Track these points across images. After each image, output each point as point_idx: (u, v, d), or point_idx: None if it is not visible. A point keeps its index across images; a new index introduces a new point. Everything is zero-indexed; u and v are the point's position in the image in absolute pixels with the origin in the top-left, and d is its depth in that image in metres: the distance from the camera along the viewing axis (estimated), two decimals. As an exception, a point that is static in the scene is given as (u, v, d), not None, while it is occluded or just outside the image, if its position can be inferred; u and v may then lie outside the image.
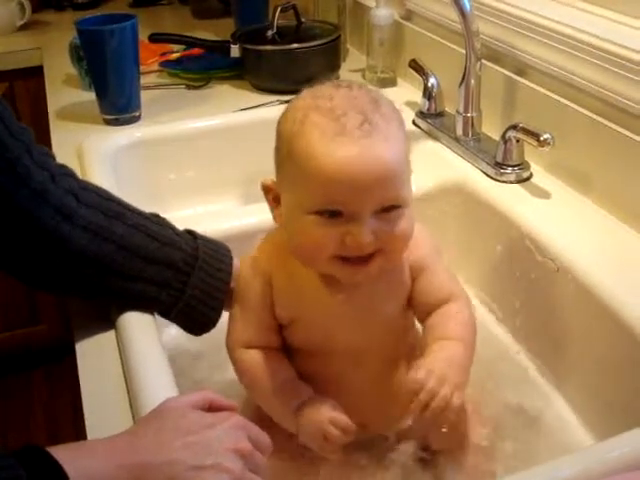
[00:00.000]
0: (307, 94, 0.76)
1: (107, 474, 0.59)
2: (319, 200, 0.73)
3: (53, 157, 0.84)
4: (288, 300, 0.83)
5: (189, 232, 0.89)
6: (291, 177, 0.76)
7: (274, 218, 0.82)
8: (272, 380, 0.83)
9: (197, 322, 0.87)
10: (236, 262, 0.89)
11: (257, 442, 0.67)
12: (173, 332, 1.02)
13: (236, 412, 0.70)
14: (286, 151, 0.76)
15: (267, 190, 0.82)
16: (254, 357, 0.84)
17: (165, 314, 0.86)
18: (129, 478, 0.59)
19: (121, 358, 0.81)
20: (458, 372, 0.78)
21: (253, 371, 0.84)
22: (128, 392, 0.76)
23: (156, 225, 0.86)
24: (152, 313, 0.86)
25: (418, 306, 0.86)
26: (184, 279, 0.85)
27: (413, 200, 1.07)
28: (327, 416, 0.78)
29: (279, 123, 0.78)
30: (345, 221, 0.72)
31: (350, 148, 0.70)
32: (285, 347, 0.86)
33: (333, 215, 0.73)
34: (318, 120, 0.72)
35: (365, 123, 0.71)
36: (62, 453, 0.58)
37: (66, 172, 0.84)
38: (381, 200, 0.73)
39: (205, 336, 0.92)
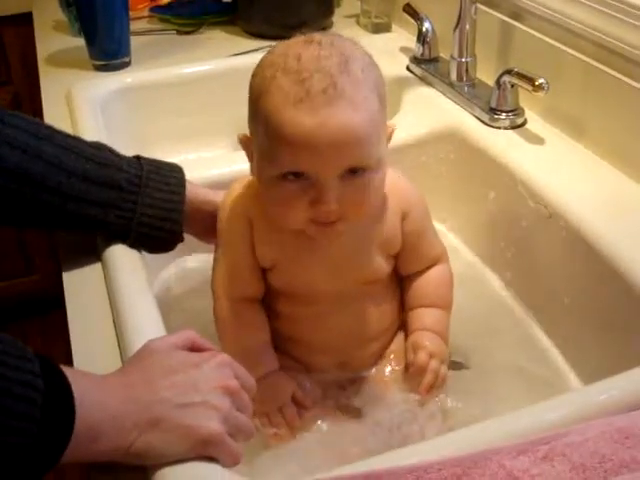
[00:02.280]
0: (278, 49, 0.74)
1: (100, 399, 0.59)
2: (282, 164, 0.73)
3: None
4: (269, 244, 0.83)
5: (134, 156, 0.88)
6: (258, 137, 0.76)
7: (251, 170, 0.81)
8: (244, 339, 0.85)
9: (157, 240, 0.87)
10: (198, 189, 0.90)
11: (243, 381, 0.67)
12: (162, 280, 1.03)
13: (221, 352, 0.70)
14: (253, 109, 0.75)
15: (243, 143, 0.82)
16: (234, 309, 0.85)
17: (122, 237, 0.85)
18: (121, 411, 0.59)
19: (110, 300, 0.80)
20: (446, 347, 0.87)
21: (229, 324, 0.85)
22: (117, 334, 0.76)
23: (92, 149, 0.85)
24: (139, 252, 0.85)
25: (406, 264, 0.88)
26: (132, 198, 0.84)
27: (406, 147, 1.08)
28: (280, 402, 0.81)
29: (252, 76, 0.76)
30: (310, 185, 0.73)
31: (312, 117, 0.69)
32: (268, 289, 0.87)
33: (298, 177, 0.73)
34: (283, 82, 0.71)
35: (329, 88, 0.69)
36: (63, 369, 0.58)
37: None
38: (345, 164, 0.72)
39: (192, 283, 0.93)
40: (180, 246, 0.90)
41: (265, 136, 0.73)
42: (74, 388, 0.57)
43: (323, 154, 0.70)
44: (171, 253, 0.90)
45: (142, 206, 0.84)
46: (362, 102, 0.71)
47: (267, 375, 0.83)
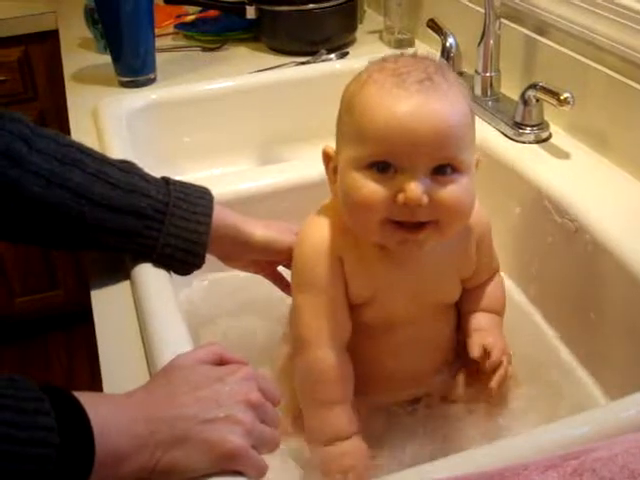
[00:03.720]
0: (374, 61, 0.76)
1: (123, 424, 0.59)
2: (371, 152, 0.71)
3: None
4: (363, 278, 0.79)
5: (164, 179, 0.88)
6: (347, 134, 0.74)
7: (331, 191, 0.80)
8: (340, 393, 0.80)
9: (179, 267, 0.86)
10: (225, 214, 0.88)
11: (267, 393, 0.67)
12: (187, 293, 1.03)
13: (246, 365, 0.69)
14: (345, 110, 0.75)
15: (327, 159, 0.79)
16: (334, 359, 0.79)
17: (145, 259, 0.85)
18: (144, 431, 0.59)
19: (137, 315, 0.81)
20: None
21: (328, 377, 0.79)
22: (145, 350, 0.76)
23: (121, 172, 0.83)
24: (168, 271, 0.85)
25: (472, 280, 0.88)
26: (157, 226, 0.83)
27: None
28: (349, 469, 0.77)
29: (344, 91, 0.77)
30: (397, 178, 0.70)
31: (406, 100, 0.69)
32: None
33: (384, 169, 0.70)
34: (379, 77, 0.72)
35: (426, 80, 0.70)
36: (82, 398, 0.58)
37: (15, 118, 0.80)
38: (435, 157, 0.70)
39: (220, 298, 0.93)
40: (210, 262, 0.89)
41: (355, 128, 0.72)
42: (93, 416, 0.57)
43: (413, 139, 0.69)
44: (202, 269, 0.90)
45: (166, 235, 0.83)
46: (456, 100, 0.71)
47: (350, 436, 0.79)
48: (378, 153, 0.70)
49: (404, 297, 0.81)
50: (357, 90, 0.73)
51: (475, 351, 0.83)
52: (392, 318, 0.82)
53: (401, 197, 0.69)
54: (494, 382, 0.81)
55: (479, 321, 0.87)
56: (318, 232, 0.80)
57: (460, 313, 0.90)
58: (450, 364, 0.89)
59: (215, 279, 1.06)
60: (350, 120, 0.73)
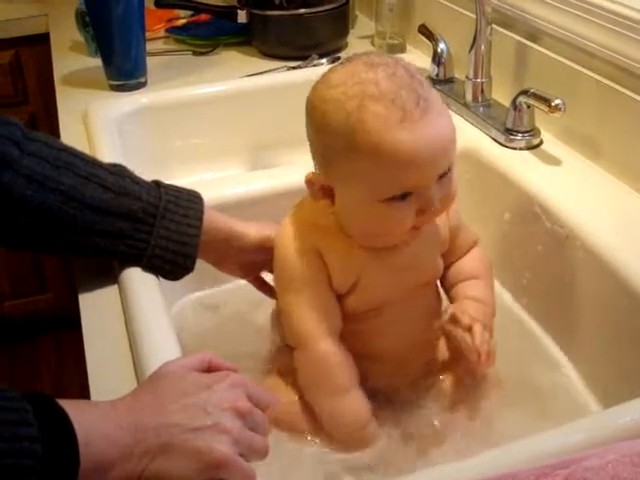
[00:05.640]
0: (339, 79, 0.73)
1: (107, 432, 0.58)
2: (393, 187, 0.73)
3: None
4: (344, 269, 0.81)
5: (155, 182, 0.88)
6: (355, 170, 0.74)
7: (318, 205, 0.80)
8: (348, 381, 0.81)
9: (170, 270, 0.86)
10: (217, 216, 0.88)
11: (257, 399, 0.67)
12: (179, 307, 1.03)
13: (236, 372, 0.69)
14: (345, 145, 0.72)
15: (311, 184, 0.79)
16: (333, 350, 0.81)
17: (135, 264, 0.85)
18: (130, 439, 0.59)
19: (125, 321, 0.80)
20: (490, 313, 0.87)
21: (333, 368, 0.81)
22: (132, 356, 0.76)
23: (112, 175, 0.84)
24: (156, 276, 0.85)
25: (449, 256, 0.90)
26: (147, 229, 0.83)
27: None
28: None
29: (323, 115, 0.73)
30: (417, 198, 0.74)
31: (417, 132, 0.70)
32: None
33: (405, 197, 0.73)
34: (376, 109, 0.70)
35: (420, 100, 0.71)
36: (67, 407, 0.57)
37: (8, 121, 0.80)
38: (445, 168, 0.74)
39: (205, 315, 0.96)
40: (195, 280, 0.89)
41: (368, 166, 0.72)
42: (78, 425, 0.56)
43: (431, 165, 0.72)
44: (188, 287, 0.89)
45: (157, 238, 0.83)
46: (442, 104, 0.74)
47: (369, 422, 0.82)
48: (401, 187, 0.73)
49: (388, 279, 0.82)
50: (356, 124, 0.71)
51: (446, 324, 0.83)
52: (378, 302, 0.83)
53: (421, 216, 0.75)
54: (473, 355, 0.79)
55: (460, 292, 0.89)
56: (293, 230, 0.82)
57: (445, 290, 0.91)
58: (439, 343, 0.89)
59: (198, 297, 1.07)
60: (357, 157, 0.72)
